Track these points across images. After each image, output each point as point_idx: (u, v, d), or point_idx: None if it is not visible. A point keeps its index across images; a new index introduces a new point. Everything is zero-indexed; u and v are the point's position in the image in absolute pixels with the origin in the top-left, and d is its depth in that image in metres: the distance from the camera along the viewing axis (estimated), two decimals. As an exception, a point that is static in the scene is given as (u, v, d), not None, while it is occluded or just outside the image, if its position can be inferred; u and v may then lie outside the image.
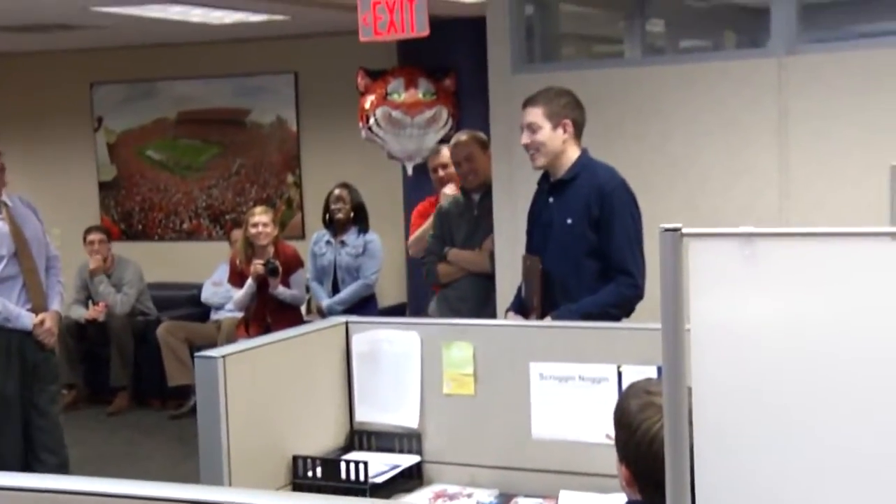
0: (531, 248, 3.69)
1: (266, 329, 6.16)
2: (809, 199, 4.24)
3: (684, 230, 1.38)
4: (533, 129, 3.49)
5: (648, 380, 2.04)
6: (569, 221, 3.51)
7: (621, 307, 3.46)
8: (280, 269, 6.05)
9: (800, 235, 1.40)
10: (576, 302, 3.46)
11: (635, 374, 2.74)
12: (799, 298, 1.37)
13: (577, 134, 3.54)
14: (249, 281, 6.11)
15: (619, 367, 2.81)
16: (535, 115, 3.48)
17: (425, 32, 4.07)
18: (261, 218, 6.20)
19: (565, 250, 3.52)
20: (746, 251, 1.38)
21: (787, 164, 4.26)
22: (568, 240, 3.51)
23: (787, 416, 1.38)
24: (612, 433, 1.93)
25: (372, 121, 6.75)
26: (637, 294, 3.47)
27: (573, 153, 3.53)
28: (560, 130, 3.48)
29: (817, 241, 1.39)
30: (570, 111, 3.51)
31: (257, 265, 6.02)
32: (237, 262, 6.31)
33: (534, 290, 3.53)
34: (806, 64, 4.22)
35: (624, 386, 2.69)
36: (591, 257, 3.49)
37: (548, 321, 3.40)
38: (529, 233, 3.73)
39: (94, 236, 7.44)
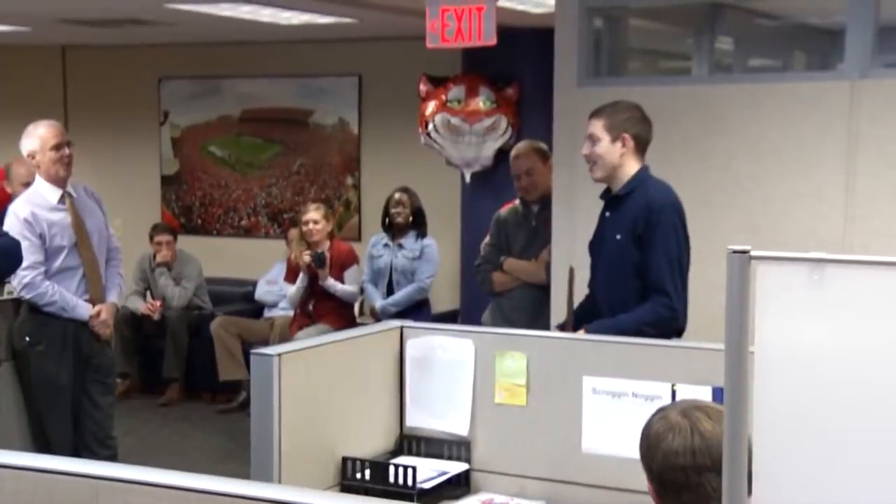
0: (591, 261, 3.69)
1: (310, 319, 6.24)
2: (874, 225, 4.17)
3: (753, 253, 1.37)
4: (592, 140, 3.47)
5: (678, 402, 2.04)
6: (618, 237, 3.49)
7: (656, 327, 3.35)
8: (327, 258, 6.12)
9: (869, 263, 1.38)
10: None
11: (690, 393, 2.72)
12: (865, 326, 1.35)
13: (639, 149, 3.50)
14: (301, 275, 6.19)
15: (673, 386, 2.79)
16: (596, 126, 3.47)
17: (493, 41, 4.08)
18: (312, 215, 6.30)
19: (612, 266, 3.51)
20: (815, 276, 1.37)
21: (854, 190, 4.19)
22: (615, 256, 3.49)
23: (849, 444, 1.36)
24: None
25: (431, 127, 6.78)
26: (673, 316, 3.40)
27: (631, 168, 3.50)
28: (619, 144, 3.45)
29: (887, 270, 1.36)
30: (632, 126, 3.48)
31: (305, 255, 6.11)
32: (293, 257, 6.41)
33: (565, 299, 3.53)
34: (879, 88, 4.15)
35: (678, 405, 2.66)
36: (637, 275, 3.44)
37: (581, 334, 3.36)
38: (590, 246, 3.73)
39: (161, 237, 7.53)
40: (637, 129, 3.49)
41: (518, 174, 4.87)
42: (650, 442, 1.84)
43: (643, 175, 3.52)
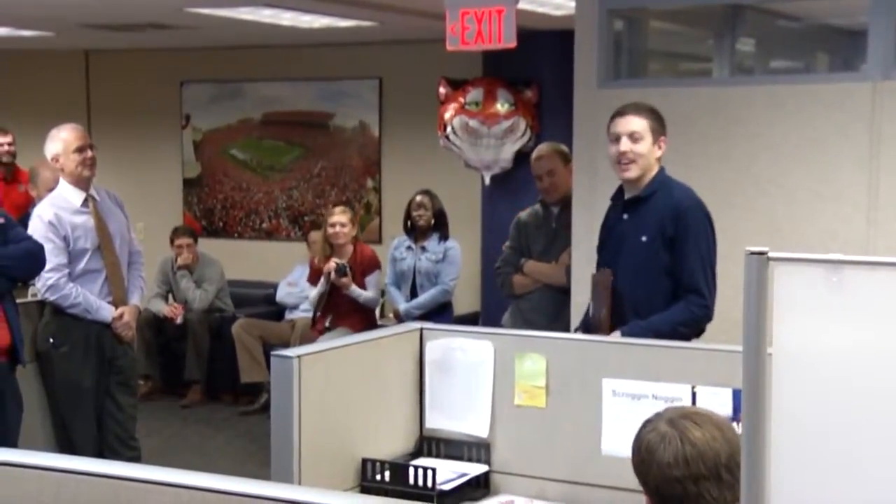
0: (602, 263, 3.68)
1: (328, 328, 6.26)
2: (898, 227, 4.15)
3: (771, 254, 1.37)
4: (635, 138, 3.45)
5: (664, 411, 2.01)
6: (643, 239, 3.48)
7: (691, 327, 3.41)
8: (348, 270, 6.13)
9: (888, 265, 1.37)
10: (645, 319, 3.43)
11: (710, 395, 2.72)
12: (884, 328, 1.35)
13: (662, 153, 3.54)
14: (322, 279, 6.21)
15: (693, 388, 2.79)
16: (640, 125, 3.45)
17: (512, 44, 4.08)
18: (339, 218, 6.31)
19: (638, 268, 3.50)
20: (833, 278, 1.37)
21: (877, 192, 4.17)
22: (642, 257, 3.49)
23: (867, 445, 1.35)
24: None
25: (449, 130, 6.78)
26: (707, 315, 3.44)
27: (654, 170, 3.52)
28: (657, 147, 3.48)
29: (907, 272, 1.36)
30: (665, 129, 3.52)
31: (331, 262, 6.14)
32: (316, 261, 6.42)
33: (603, 304, 3.52)
34: (902, 90, 4.13)
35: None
36: (665, 276, 3.46)
37: (616, 336, 3.36)
38: (601, 248, 3.72)
39: (181, 240, 7.56)
40: (666, 132, 3.52)
41: (539, 174, 4.88)
42: (642, 456, 1.83)
43: (663, 176, 3.53)
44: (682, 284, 3.43)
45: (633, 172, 3.48)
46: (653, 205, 3.48)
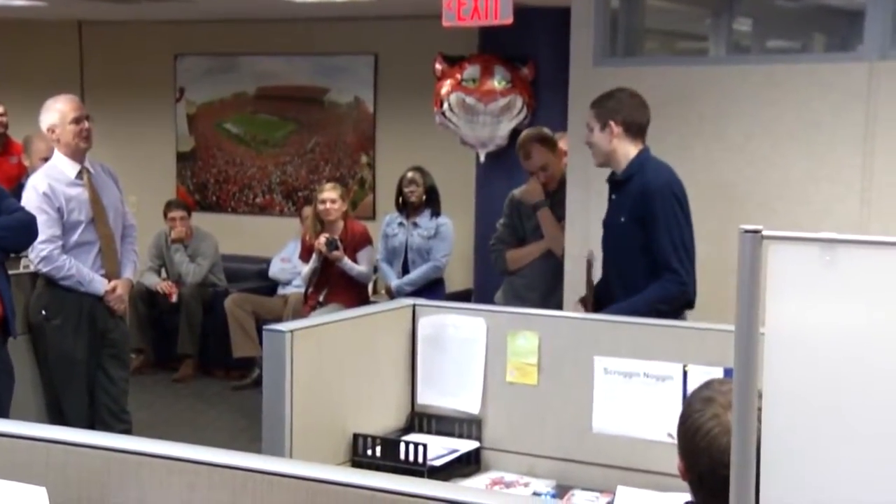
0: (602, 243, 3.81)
1: (321, 304, 6.26)
2: (892, 208, 4.15)
3: (765, 232, 1.36)
4: (588, 128, 3.64)
5: (725, 379, 2.02)
6: (622, 220, 3.60)
7: (668, 302, 3.49)
8: (339, 244, 6.13)
9: (882, 244, 1.37)
10: (627, 298, 3.52)
11: (701, 374, 2.72)
12: (877, 307, 1.35)
13: (632, 134, 3.59)
14: (314, 255, 6.21)
15: (685, 367, 2.80)
16: (590, 116, 3.64)
17: (509, 20, 4.06)
18: (329, 194, 6.29)
19: (619, 248, 3.64)
20: (826, 257, 1.36)
21: (871, 172, 4.17)
22: (621, 238, 3.62)
23: (860, 426, 1.36)
24: (675, 431, 1.91)
25: (445, 106, 6.76)
26: (683, 291, 3.51)
27: (630, 152, 3.60)
28: (607, 131, 3.58)
29: (900, 251, 1.35)
30: (616, 112, 3.58)
31: (321, 238, 6.13)
32: (307, 237, 6.41)
33: (584, 284, 3.70)
34: (898, 70, 4.12)
35: (689, 386, 2.67)
36: (643, 255, 3.55)
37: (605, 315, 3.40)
38: (602, 226, 3.84)
39: (175, 213, 7.56)
40: (624, 115, 3.58)
41: (533, 171, 4.84)
42: (697, 441, 1.78)
43: (642, 158, 3.62)
44: (656, 264, 3.53)
45: (595, 161, 3.70)
46: (631, 187, 3.59)
